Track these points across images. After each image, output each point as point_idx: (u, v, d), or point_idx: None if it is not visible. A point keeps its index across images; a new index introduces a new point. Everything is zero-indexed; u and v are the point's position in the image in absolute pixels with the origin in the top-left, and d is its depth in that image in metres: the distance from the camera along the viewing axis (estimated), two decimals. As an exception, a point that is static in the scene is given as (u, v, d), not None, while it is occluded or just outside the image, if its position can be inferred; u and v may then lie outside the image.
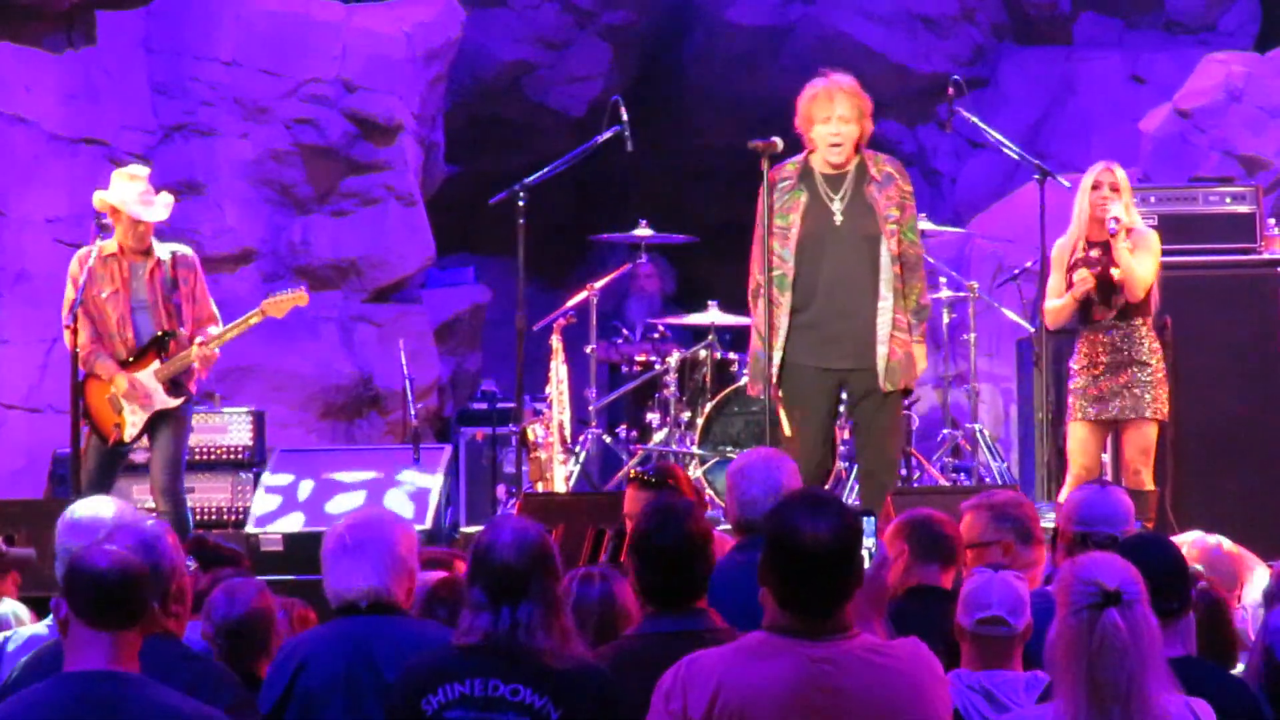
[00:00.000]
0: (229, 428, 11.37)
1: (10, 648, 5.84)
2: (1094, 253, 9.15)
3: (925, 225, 10.98)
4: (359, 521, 5.37)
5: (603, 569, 5.59)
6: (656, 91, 15.73)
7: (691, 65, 16.12)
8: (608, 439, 12.08)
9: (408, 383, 11.93)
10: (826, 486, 8.95)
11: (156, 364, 9.61)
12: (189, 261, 9.77)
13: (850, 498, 10.22)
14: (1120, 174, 9.21)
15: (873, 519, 6.49)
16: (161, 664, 4.64)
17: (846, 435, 10.52)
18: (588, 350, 12.09)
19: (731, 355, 11.86)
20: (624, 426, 12.34)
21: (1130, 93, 15.01)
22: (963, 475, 11.51)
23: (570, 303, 11.96)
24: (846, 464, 10.81)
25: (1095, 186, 9.17)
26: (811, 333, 8.77)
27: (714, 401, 11.45)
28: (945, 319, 11.82)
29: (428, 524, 10.27)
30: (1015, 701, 5.23)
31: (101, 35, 13.27)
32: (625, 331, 13.31)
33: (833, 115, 8.74)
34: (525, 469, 10.88)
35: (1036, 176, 9.84)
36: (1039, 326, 9.79)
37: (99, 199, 9.60)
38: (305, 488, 10.68)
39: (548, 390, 11.70)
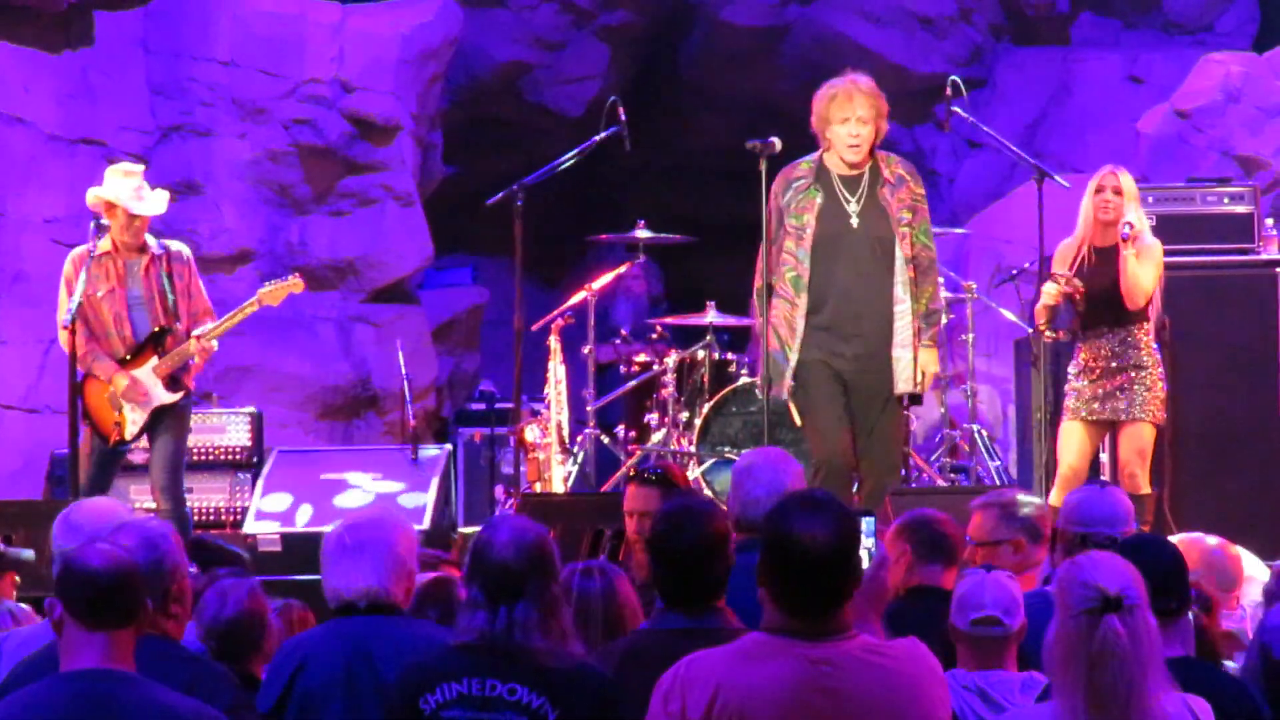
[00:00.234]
0: (227, 428, 11.37)
1: (7, 648, 5.83)
2: (1097, 263, 9.11)
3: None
4: (358, 522, 5.37)
5: (601, 563, 5.59)
6: (654, 92, 15.73)
7: (689, 66, 16.11)
8: (605, 439, 12.07)
9: (405, 383, 11.92)
10: (854, 473, 8.91)
11: (155, 360, 9.61)
12: (183, 257, 9.77)
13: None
14: (1125, 178, 9.20)
15: (872, 519, 6.49)
16: (160, 664, 4.64)
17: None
18: (585, 350, 12.09)
19: (730, 356, 11.86)
20: (622, 427, 12.34)
21: (1128, 93, 15.00)
22: (961, 476, 11.51)
23: (568, 303, 11.96)
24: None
25: (1098, 190, 9.16)
26: (825, 334, 8.76)
27: (712, 402, 11.44)
28: (943, 320, 11.81)
29: (426, 524, 10.27)
30: (1011, 701, 5.24)
31: (99, 35, 13.27)
32: (624, 332, 13.31)
33: (852, 116, 8.75)
34: (523, 469, 10.88)
35: (1034, 177, 9.84)
36: (1036, 327, 9.79)
37: (93, 195, 9.59)
38: (303, 488, 10.68)
39: (546, 391, 11.70)
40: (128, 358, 9.61)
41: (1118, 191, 9.13)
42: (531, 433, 11.32)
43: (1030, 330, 10.57)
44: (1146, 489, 9.08)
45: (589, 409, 12.03)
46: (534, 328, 11.46)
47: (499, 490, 11.88)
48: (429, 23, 13.86)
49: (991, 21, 15.79)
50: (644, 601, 5.40)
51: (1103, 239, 9.14)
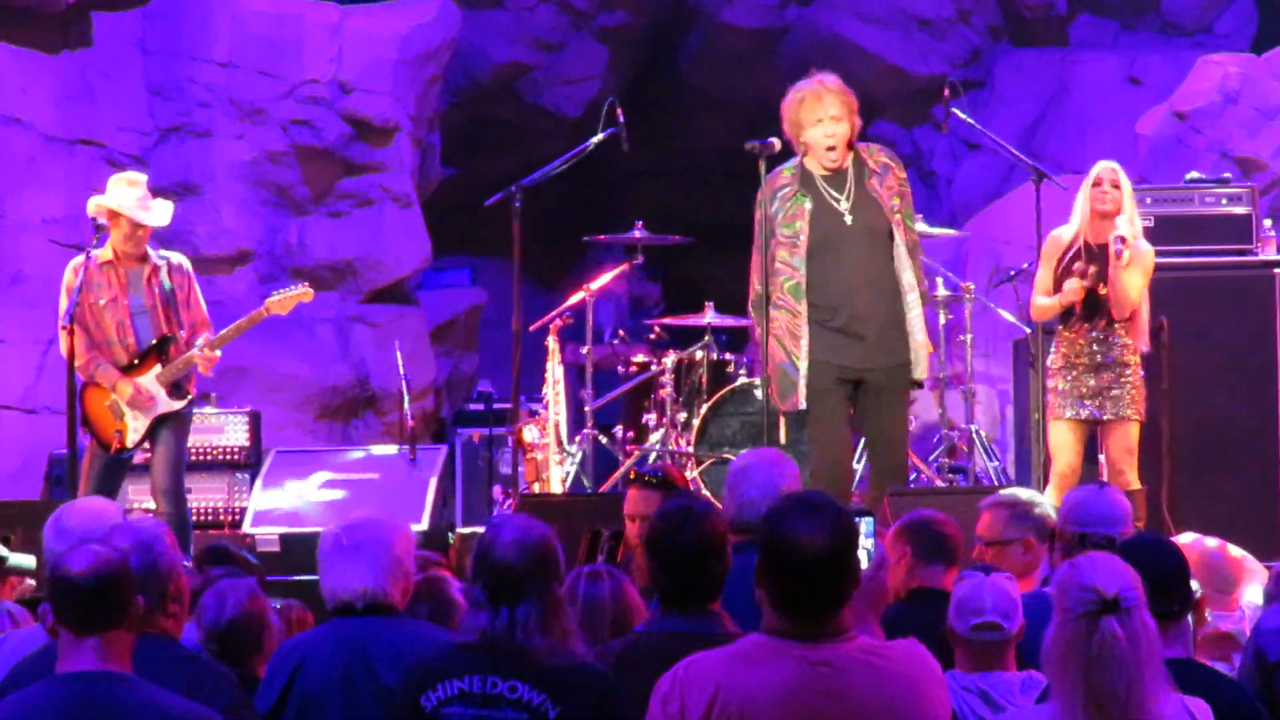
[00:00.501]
0: (225, 429, 11.38)
1: (5, 649, 5.83)
2: (1093, 265, 9.09)
3: (921, 227, 10.97)
4: (356, 522, 5.37)
5: (608, 567, 5.59)
6: (652, 93, 15.74)
7: (687, 67, 16.12)
8: (604, 440, 12.07)
9: (404, 384, 11.92)
10: (854, 489, 8.92)
11: (158, 368, 9.61)
12: (183, 268, 9.79)
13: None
14: (1122, 174, 9.19)
15: (871, 519, 6.48)
16: (159, 664, 4.64)
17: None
18: (583, 351, 12.09)
19: (728, 356, 11.86)
20: (620, 427, 12.34)
21: (1126, 94, 15.01)
22: (959, 476, 11.51)
23: (566, 304, 11.96)
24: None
25: (1096, 183, 9.13)
26: (836, 335, 8.72)
27: (710, 402, 11.44)
28: (941, 320, 11.81)
29: (424, 525, 10.28)
30: (1011, 701, 5.23)
31: (98, 37, 13.27)
32: (622, 333, 13.31)
33: (825, 116, 8.68)
34: (521, 470, 10.88)
35: (1033, 178, 9.82)
36: (1035, 327, 9.79)
37: (95, 204, 9.58)
38: (301, 489, 10.68)
39: (544, 391, 11.70)
40: (134, 363, 9.62)
41: (1115, 185, 9.11)
42: (530, 433, 11.32)
43: (1028, 331, 10.58)
44: (1136, 485, 9.07)
45: (587, 409, 12.04)
46: (532, 328, 11.46)
47: (497, 491, 11.89)
48: (427, 24, 13.86)
49: (990, 23, 15.79)
50: (647, 605, 5.40)
51: (1097, 234, 9.11)
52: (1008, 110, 15.30)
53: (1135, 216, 9.19)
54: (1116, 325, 9.12)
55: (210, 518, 11.17)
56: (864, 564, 4.52)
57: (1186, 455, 9.95)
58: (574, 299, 11.99)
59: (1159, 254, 9.57)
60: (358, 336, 13.68)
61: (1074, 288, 9.04)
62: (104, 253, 9.60)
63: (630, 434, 12.14)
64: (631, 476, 7.20)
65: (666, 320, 12.85)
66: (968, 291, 11.79)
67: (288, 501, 10.63)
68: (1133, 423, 9.10)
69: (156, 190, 10.16)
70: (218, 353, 9.70)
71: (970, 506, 7.67)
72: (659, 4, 15.78)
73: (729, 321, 12.01)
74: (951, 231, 13.05)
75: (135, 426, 9.61)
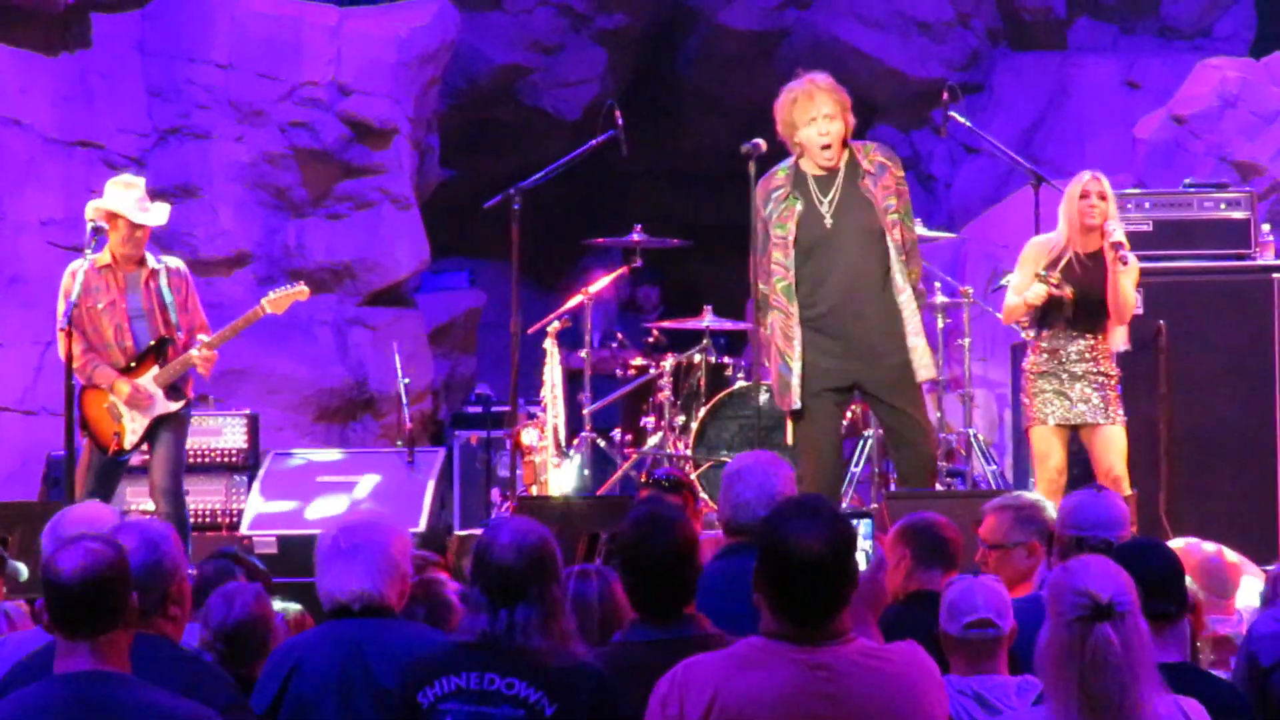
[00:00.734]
0: (223, 431, 11.38)
1: (5, 649, 5.82)
2: (1085, 270, 9.06)
3: (919, 230, 10.97)
4: (353, 524, 5.37)
5: (598, 566, 5.59)
6: (651, 96, 15.74)
7: (686, 69, 16.12)
8: (602, 443, 12.07)
9: (402, 386, 11.92)
10: (840, 480, 8.90)
11: (156, 369, 9.62)
12: (181, 272, 9.81)
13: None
14: (1106, 183, 9.17)
15: (869, 521, 6.49)
16: (158, 665, 4.63)
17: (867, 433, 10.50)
18: (581, 354, 12.09)
19: (726, 360, 11.86)
20: (618, 430, 12.34)
21: (1125, 98, 15.01)
22: (957, 480, 11.50)
23: (565, 307, 11.96)
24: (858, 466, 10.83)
25: (1083, 195, 9.08)
26: (825, 337, 8.72)
27: (708, 406, 11.44)
28: (940, 324, 11.81)
29: (422, 527, 10.28)
30: (1007, 705, 5.23)
31: (96, 38, 13.27)
32: (620, 335, 13.31)
33: (818, 114, 8.67)
34: (519, 472, 10.88)
35: (1031, 182, 9.84)
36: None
37: (93, 207, 9.59)
38: (299, 491, 10.68)
39: (542, 394, 11.69)
40: (132, 365, 9.62)
41: (1102, 196, 9.09)
42: (528, 436, 11.32)
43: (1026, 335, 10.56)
44: (1128, 490, 9.06)
45: (585, 412, 12.03)
46: (530, 331, 11.46)
47: (495, 493, 11.89)
48: (426, 26, 13.85)
49: (989, 26, 15.80)
50: None
51: (1084, 244, 9.09)
52: (1006, 114, 15.30)
53: (1118, 217, 9.20)
54: (1103, 335, 9.12)
55: (208, 519, 11.17)
56: (862, 566, 4.53)
57: (1184, 459, 9.95)
58: (572, 302, 11.99)
59: (1157, 258, 9.57)
60: (356, 338, 13.67)
61: (1039, 292, 8.98)
62: (102, 257, 9.61)
63: (628, 437, 12.14)
64: (645, 480, 7.16)
65: (665, 323, 12.85)
66: (966, 295, 11.79)
67: (285, 504, 10.63)
68: (1120, 427, 9.09)
69: (155, 192, 10.17)
70: (215, 352, 9.70)
71: (968, 510, 7.67)
72: (658, 6, 15.78)
73: (727, 325, 12.01)
74: (950, 235, 13.06)
75: (133, 428, 9.61)
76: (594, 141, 10.32)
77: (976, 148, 15.10)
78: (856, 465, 11.23)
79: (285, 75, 13.46)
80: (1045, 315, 9.08)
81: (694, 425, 11.43)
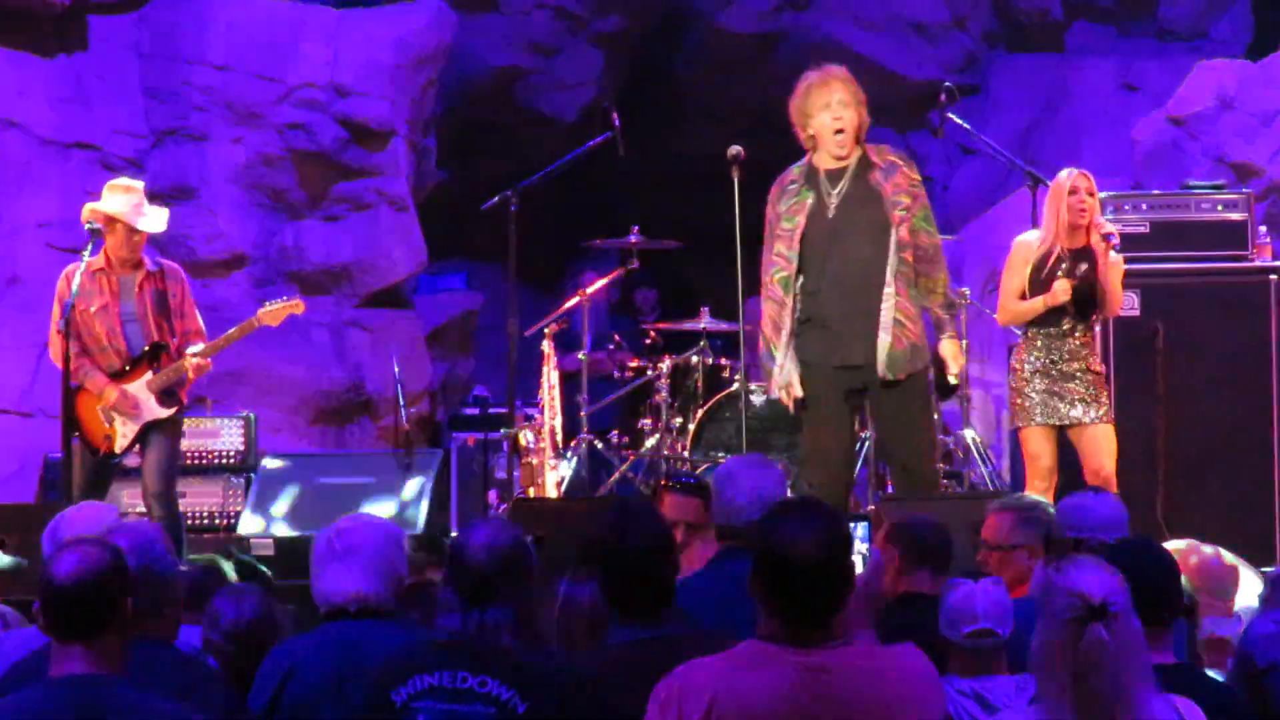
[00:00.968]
0: (220, 432, 11.38)
1: (3, 651, 5.82)
2: (1082, 266, 9.07)
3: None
4: (348, 526, 5.37)
5: (591, 569, 5.57)
6: (648, 98, 15.74)
7: (683, 72, 16.13)
8: (599, 444, 12.07)
9: (399, 388, 11.93)
10: (850, 488, 8.88)
11: (149, 375, 9.60)
12: (177, 275, 9.79)
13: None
14: (1092, 180, 9.18)
15: (866, 524, 6.48)
16: (153, 667, 4.63)
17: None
18: (579, 356, 12.09)
19: (723, 361, 11.86)
20: (615, 432, 12.34)
21: (1122, 100, 15.01)
22: (954, 481, 11.51)
23: (562, 308, 11.97)
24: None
25: (1072, 192, 9.09)
26: (823, 331, 8.70)
27: (706, 407, 11.45)
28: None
29: (419, 529, 10.27)
30: (1008, 704, 5.23)
31: (93, 39, 13.27)
32: (617, 338, 13.31)
33: (831, 100, 8.67)
34: (517, 474, 10.88)
35: (1028, 183, 9.84)
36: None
37: (90, 210, 9.57)
38: (296, 492, 10.68)
39: (539, 396, 11.70)
40: (125, 369, 9.61)
41: (1091, 193, 9.10)
42: (525, 437, 11.32)
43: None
44: (1115, 489, 9.06)
45: (582, 414, 12.03)
46: (528, 333, 11.46)
47: (493, 495, 11.89)
48: (423, 28, 13.84)
49: (986, 28, 15.80)
50: None
51: (1071, 240, 9.09)
52: (1003, 116, 15.31)
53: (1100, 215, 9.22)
54: (1090, 333, 9.12)
55: (205, 521, 11.16)
56: (859, 568, 4.52)
57: (1181, 461, 9.95)
58: (569, 304, 11.99)
59: (1155, 259, 9.56)
60: (353, 340, 13.66)
61: (1064, 287, 8.99)
62: (97, 260, 9.59)
63: (625, 439, 12.15)
64: (664, 483, 7.10)
65: (662, 325, 12.86)
66: (963, 297, 11.79)
67: (282, 506, 10.63)
68: (1110, 426, 9.09)
69: (152, 194, 10.15)
70: (208, 362, 9.69)
71: (966, 512, 7.68)
72: (655, 9, 15.78)
73: (724, 326, 12.01)
74: (947, 237, 13.04)
75: (124, 432, 9.60)
76: (591, 143, 10.32)
77: (974, 149, 15.11)
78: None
79: (282, 77, 13.45)
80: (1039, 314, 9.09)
81: (691, 426, 11.43)
